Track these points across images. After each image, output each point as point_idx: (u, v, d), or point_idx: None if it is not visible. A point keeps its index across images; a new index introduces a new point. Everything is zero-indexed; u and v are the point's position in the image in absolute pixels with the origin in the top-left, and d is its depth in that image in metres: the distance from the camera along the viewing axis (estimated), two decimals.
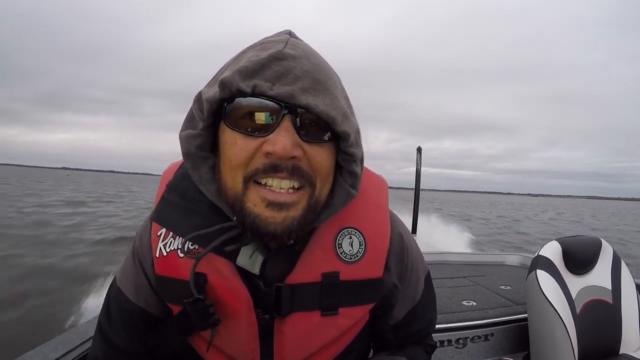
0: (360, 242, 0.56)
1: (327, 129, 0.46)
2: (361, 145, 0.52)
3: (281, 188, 0.44)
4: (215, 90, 0.44)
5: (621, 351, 1.40)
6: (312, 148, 0.45)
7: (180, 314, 0.53)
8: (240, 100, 0.43)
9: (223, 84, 0.43)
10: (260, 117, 0.43)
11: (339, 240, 0.55)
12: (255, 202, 0.44)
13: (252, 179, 0.44)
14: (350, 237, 0.56)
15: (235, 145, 0.44)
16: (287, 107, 0.42)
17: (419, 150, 2.17)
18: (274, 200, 0.44)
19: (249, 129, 0.44)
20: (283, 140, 0.41)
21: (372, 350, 0.73)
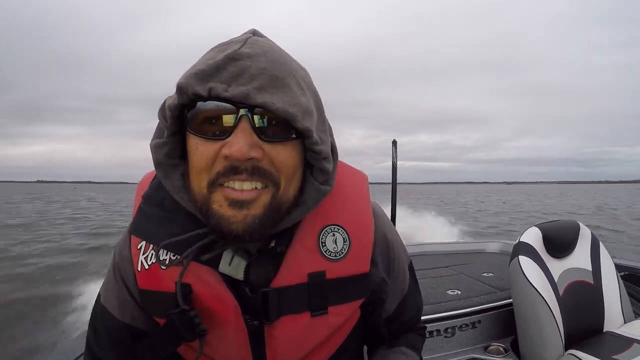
0: (344, 239, 0.55)
1: (290, 126, 0.45)
2: (330, 141, 0.52)
3: (243, 188, 0.44)
4: (175, 97, 0.44)
5: (605, 329, 1.44)
6: (273, 148, 0.44)
7: (166, 326, 0.52)
8: (200, 104, 0.43)
9: (180, 89, 0.42)
10: (218, 121, 0.43)
11: (322, 238, 0.55)
12: (220, 203, 0.44)
13: (215, 182, 0.44)
14: (334, 235, 0.55)
15: (197, 151, 0.44)
16: (243, 108, 0.42)
17: (394, 143, 2.20)
18: (236, 198, 0.43)
19: (209, 133, 0.43)
20: (239, 142, 0.41)
21: (365, 347, 0.73)
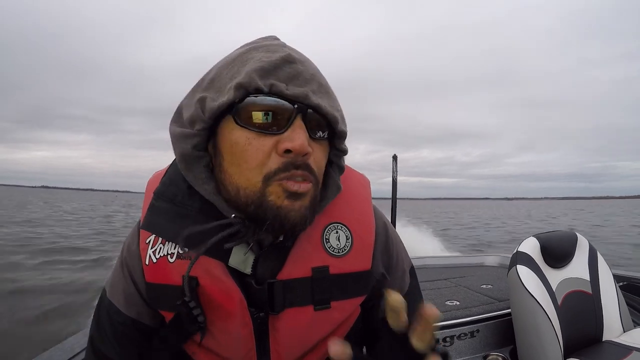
0: (347, 236, 0.57)
1: (326, 128, 0.50)
2: None
3: (298, 179, 0.47)
4: (226, 93, 0.46)
5: (604, 338, 1.45)
6: (315, 146, 0.48)
7: (175, 319, 0.53)
8: (254, 99, 0.45)
9: (240, 85, 0.44)
10: (275, 116, 0.45)
11: (326, 235, 0.56)
12: (278, 194, 0.46)
13: (272, 178, 0.45)
14: (337, 232, 0.57)
15: (251, 146, 0.45)
16: (300, 107, 0.45)
17: (395, 158, 2.23)
18: (296, 190, 0.46)
19: (265, 128, 0.45)
20: (301, 137, 0.44)
21: (364, 349, 0.73)
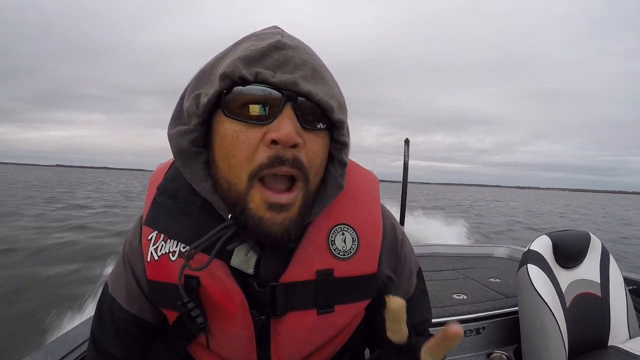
0: (353, 239, 0.55)
1: (323, 117, 0.46)
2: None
3: (282, 190, 0.45)
4: (214, 85, 0.44)
5: (610, 343, 1.43)
6: (310, 137, 0.45)
7: (178, 319, 0.53)
8: (241, 88, 0.43)
9: (225, 75, 0.43)
10: (263, 105, 0.43)
11: (331, 237, 0.54)
12: (258, 204, 0.44)
13: (256, 175, 0.44)
14: (343, 234, 0.55)
15: (238, 139, 0.43)
16: (288, 95, 0.42)
17: (407, 142, 2.18)
18: (276, 202, 0.44)
19: (252, 118, 0.43)
20: (287, 127, 0.41)
21: (367, 350, 0.72)
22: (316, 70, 0.46)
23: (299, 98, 0.43)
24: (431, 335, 0.71)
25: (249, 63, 0.43)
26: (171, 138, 0.49)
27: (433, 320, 1.48)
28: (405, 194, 2.19)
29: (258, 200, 0.44)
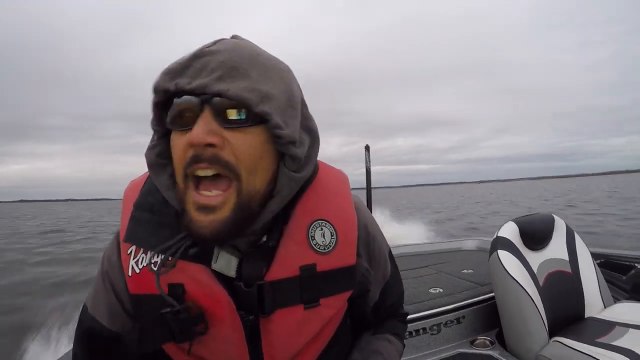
0: (331, 233, 0.57)
1: (252, 114, 0.46)
2: (298, 127, 0.52)
3: (209, 192, 0.46)
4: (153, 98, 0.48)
5: (587, 314, 1.49)
6: (233, 135, 0.45)
7: (157, 325, 0.51)
8: (174, 102, 0.46)
9: (154, 88, 0.46)
10: (185, 113, 0.45)
11: (311, 232, 0.56)
12: (190, 206, 0.46)
13: (187, 176, 0.46)
14: (322, 229, 0.57)
15: (175, 146, 0.47)
16: (204, 98, 0.44)
17: (367, 148, 2.25)
18: (203, 204, 0.45)
19: (179, 126, 0.46)
20: (197, 129, 0.43)
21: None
22: (235, 68, 0.45)
23: (215, 99, 0.44)
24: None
25: (172, 76, 0.45)
26: (145, 155, 0.52)
27: (414, 316, 1.50)
28: (370, 199, 2.24)
29: (190, 202, 0.46)
